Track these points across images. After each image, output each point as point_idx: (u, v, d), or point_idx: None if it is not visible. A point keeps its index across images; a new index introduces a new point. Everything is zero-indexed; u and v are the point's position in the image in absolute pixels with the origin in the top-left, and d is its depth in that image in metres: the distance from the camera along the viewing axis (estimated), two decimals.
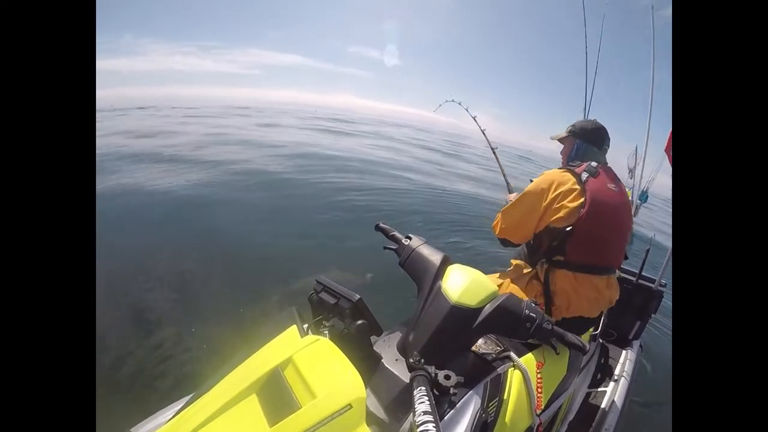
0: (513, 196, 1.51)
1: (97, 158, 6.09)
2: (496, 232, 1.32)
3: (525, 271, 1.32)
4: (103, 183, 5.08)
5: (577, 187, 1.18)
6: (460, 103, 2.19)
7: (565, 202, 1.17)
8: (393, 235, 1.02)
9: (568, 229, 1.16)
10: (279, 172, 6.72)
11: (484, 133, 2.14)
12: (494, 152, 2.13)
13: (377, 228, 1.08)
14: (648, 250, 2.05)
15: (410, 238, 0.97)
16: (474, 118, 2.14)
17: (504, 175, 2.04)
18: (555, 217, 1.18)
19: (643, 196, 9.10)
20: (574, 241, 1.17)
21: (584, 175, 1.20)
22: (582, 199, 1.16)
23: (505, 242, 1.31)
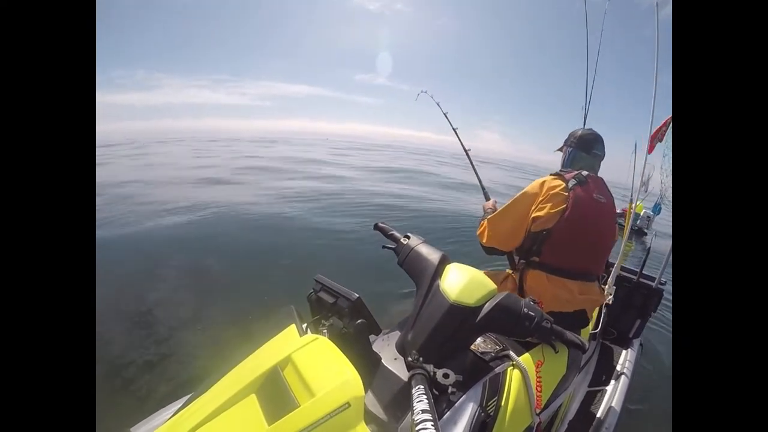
0: (492, 203, 1.54)
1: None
2: (483, 241, 1.31)
3: (506, 272, 1.36)
4: None
5: (565, 193, 1.22)
6: (432, 96, 2.08)
7: (549, 205, 1.20)
8: (392, 234, 1.02)
9: (544, 232, 1.19)
10: None
11: (456, 132, 2.05)
12: (467, 154, 2.06)
13: (376, 227, 1.07)
14: (649, 249, 2.06)
15: (409, 237, 0.96)
16: (445, 115, 2.05)
17: (479, 181, 1.93)
18: (536, 215, 1.21)
19: (656, 208, 8.30)
20: (550, 243, 1.20)
21: (572, 182, 1.24)
22: (565, 205, 1.20)
23: (492, 250, 1.31)
